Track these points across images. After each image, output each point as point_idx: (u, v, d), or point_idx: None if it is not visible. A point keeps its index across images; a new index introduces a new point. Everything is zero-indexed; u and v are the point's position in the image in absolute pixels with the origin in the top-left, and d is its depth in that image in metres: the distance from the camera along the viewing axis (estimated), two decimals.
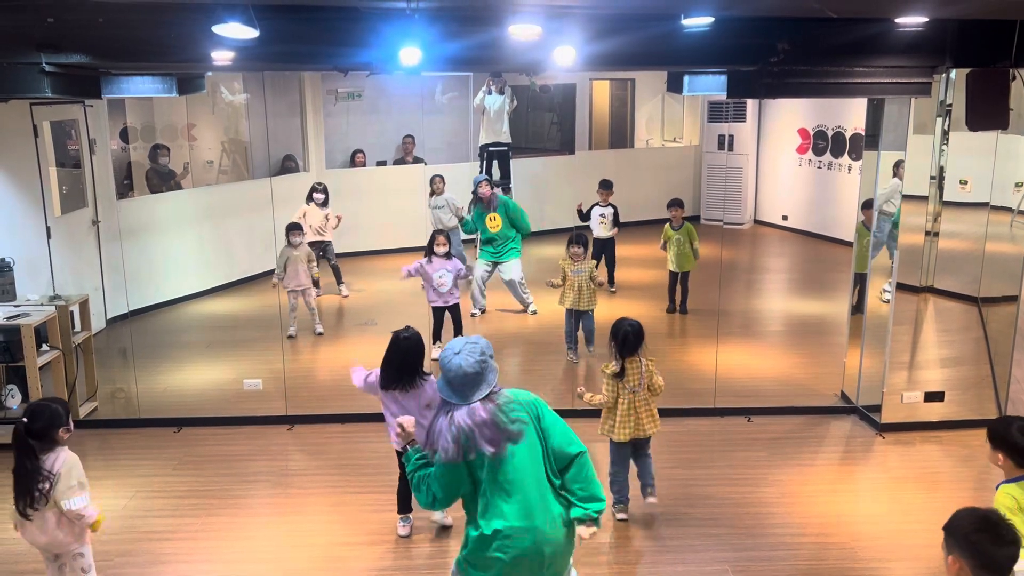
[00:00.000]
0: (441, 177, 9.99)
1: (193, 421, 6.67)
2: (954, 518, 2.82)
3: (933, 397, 6.47)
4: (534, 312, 9.09)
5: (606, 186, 9.74)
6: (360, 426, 6.56)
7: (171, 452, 6.23)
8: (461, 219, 9.56)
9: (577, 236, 7.63)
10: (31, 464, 3.93)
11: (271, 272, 8.57)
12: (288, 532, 5.17)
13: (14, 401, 6.31)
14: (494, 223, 8.93)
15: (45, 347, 6.30)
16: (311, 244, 9.27)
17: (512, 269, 9.01)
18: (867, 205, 6.75)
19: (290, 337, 8.48)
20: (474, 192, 9.09)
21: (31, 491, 3.92)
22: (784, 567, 4.79)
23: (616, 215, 9.65)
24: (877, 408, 6.51)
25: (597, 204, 9.69)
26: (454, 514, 5.13)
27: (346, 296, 9.88)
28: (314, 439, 6.46)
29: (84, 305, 6.91)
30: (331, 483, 5.78)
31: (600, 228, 9.63)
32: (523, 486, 3.33)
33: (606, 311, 7.88)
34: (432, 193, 9.87)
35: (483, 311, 9.18)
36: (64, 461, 3.99)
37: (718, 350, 7.30)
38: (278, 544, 5.05)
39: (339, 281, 9.90)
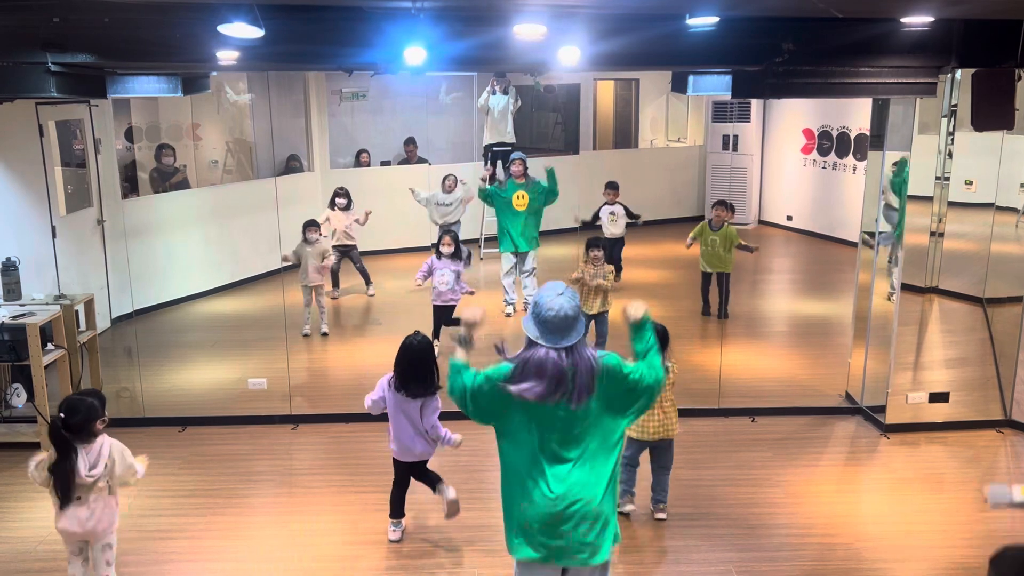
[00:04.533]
0: (455, 177, 10.08)
1: (197, 420, 6.68)
2: (1001, 557, 2.73)
3: (938, 398, 6.46)
4: None
5: (613, 187, 9.79)
6: (364, 426, 6.56)
7: (175, 451, 6.24)
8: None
9: (596, 239, 7.59)
10: (71, 459, 4.01)
11: (276, 272, 8.58)
12: (292, 531, 5.17)
13: (19, 400, 6.32)
14: (521, 202, 8.94)
15: (50, 346, 6.30)
16: (337, 247, 9.31)
17: (531, 259, 9.05)
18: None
19: (305, 335, 8.52)
20: (506, 168, 9.07)
21: (70, 484, 4.01)
22: (788, 567, 4.79)
23: (628, 210, 9.68)
24: (882, 409, 6.50)
25: (605, 204, 9.71)
26: (468, 514, 5.16)
27: (372, 295, 9.94)
28: (318, 439, 6.47)
29: (89, 304, 6.92)
30: (335, 483, 5.78)
31: (611, 226, 9.64)
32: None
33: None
34: (445, 191, 9.97)
35: (515, 309, 9.18)
36: (111, 446, 4.14)
37: (722, 350, 7.30)
38: (282, 543, 5.05)
39: (367, 282, 9.97)
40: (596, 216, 9.78)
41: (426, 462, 5.04)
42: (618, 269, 9.86)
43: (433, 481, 5.06)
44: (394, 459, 5.03)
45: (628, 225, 9.84)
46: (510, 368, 3.36)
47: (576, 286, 7.47)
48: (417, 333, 4.92)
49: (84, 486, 4.07)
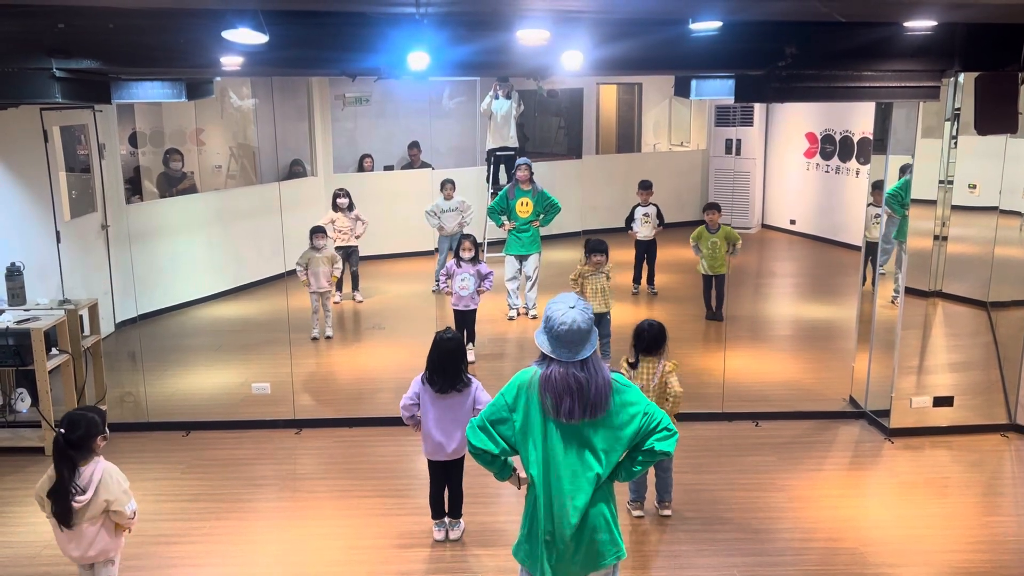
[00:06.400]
0: (452, 182, 9.83)
1: (201, 425, 6.68)
2: None
3: (942, 402, 6.45)
4: (534, 317, 9.08)
5: (645, 186, 9.76)
6: (368, 430, 6.57)
7: (179, 456, 6.25)
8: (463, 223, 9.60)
9: (597, 243, 7.51)
10: (69, 476, 3.96)
11: (279, 276, 8.60)
12: (296, 536, 5.17)
13: (24, 405, 6.33)
14: (525, 208, 8.91)
15: (54, 351, 6.31)
16: (338, 248, 9.32)
17: (533, 262, 9.01)
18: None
19: (313, 339, 8.57)
20: (510, 173, 8.95)
21: (69, 503, 3.95)
22: (792, 571, 4.78)
23: (660, 214, 9.69)
24: (886, 413, 6.49)
25: (638, 205, 9.71)
26: (472, 519, 5.16)
27: (360, 302, 9.93)
28: (322, 443, 6.47)
29: (93, 309, 6.93)
30: (339, 487, 5.79)
31: (644, 228, 9.64)
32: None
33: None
34: (445, 198, 9.78)
35: (519, 313, 9.18)
36: (104, 470, 4.05)
37: (726, 354, 7.29)
38: (286, 548, 5.05)
39: (355, 287, 9.97)
40: (631, 218, 9.70)
41: (460, 465, 5.03)
42: (651, 277, 9.87)
43: (456, 505, 5.10)
44: (428, 460, 5.04)
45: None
46: (533, 377, 3.36)
47: (576, 287, 7.48)
48: (448, 330, 5.01)
49: (74, 512, 4.01)
